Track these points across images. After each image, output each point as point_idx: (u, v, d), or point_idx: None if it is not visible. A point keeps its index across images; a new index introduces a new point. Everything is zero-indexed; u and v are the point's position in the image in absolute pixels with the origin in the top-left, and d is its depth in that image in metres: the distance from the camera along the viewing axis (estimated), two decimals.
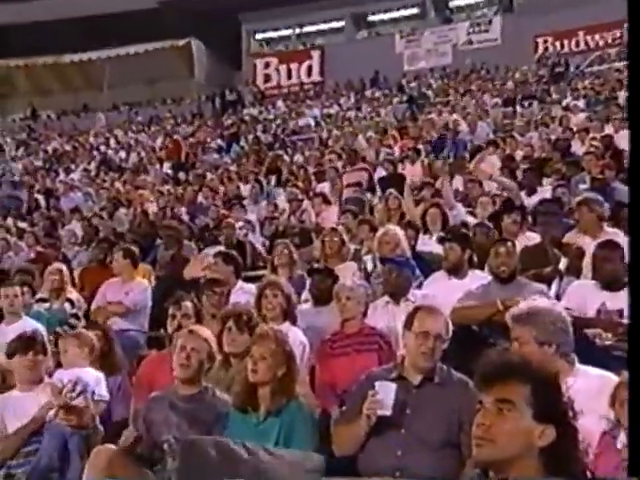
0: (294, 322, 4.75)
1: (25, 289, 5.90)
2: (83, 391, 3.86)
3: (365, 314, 4.68)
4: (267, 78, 29.58)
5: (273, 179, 12.34)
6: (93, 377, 4.17)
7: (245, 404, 3.51)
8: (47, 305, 6.29)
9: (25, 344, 4.17)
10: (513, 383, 1.93)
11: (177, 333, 4.25)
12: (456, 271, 5.28)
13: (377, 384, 3.24)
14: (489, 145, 11.28)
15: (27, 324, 5.33)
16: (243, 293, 5.57)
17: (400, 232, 6.00)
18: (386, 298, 4.95)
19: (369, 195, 9.74)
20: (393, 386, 3.23)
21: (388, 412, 3.19)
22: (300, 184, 11.23)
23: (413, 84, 22.16)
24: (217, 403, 3.67)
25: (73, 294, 6.54)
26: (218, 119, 23.70)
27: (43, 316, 5.85)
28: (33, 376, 4.14)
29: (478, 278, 5.07)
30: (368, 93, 23.79)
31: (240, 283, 5.87)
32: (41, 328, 5.20)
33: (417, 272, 5.31)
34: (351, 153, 11.39)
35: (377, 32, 30.06)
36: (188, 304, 4.72)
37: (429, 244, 6.62)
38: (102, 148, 21.04)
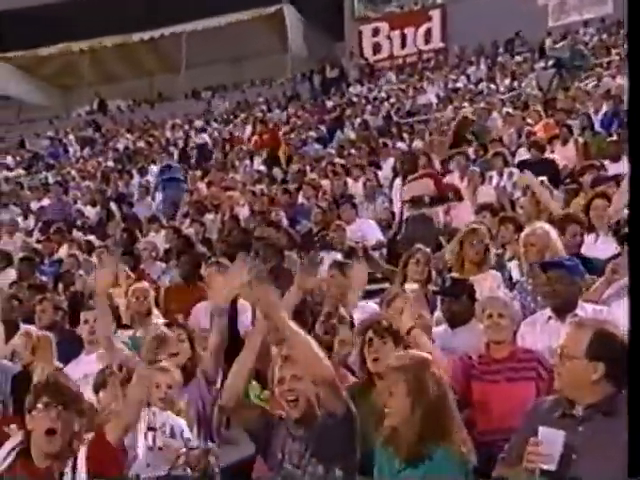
0: None
1: None
2: (173, 435, 4.14)
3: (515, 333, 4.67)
4: (376, 48, 29.72)
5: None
6: (182, 423, 4.46)
7: (387, 444, 3.59)
8: (130, 332, 6.53)
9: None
10: None
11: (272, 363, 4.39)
12: None
13: (541, 431, 3.20)
14: None
15: None
16: (363, 314, 5.62)
17: (552, 231, 5.89)
18: (548, 312, 4.89)
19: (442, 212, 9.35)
20: (560, 434, 3.17)
21: (553, 467, 3.15)
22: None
23: (561, 44, 21.65)
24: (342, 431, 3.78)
25: (160, 319, 6.77)
26: (318, 101, 24.03)
27: (126, 345, 6.06)
28: None
29: None
30: (503, 59, 23.47)
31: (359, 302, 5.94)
32: None
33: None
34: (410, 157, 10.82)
35: None
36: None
37: (594, 246, 6.47)
38: (180, 143, 21.76)
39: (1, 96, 31.54)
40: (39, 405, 3.54)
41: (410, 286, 5.49)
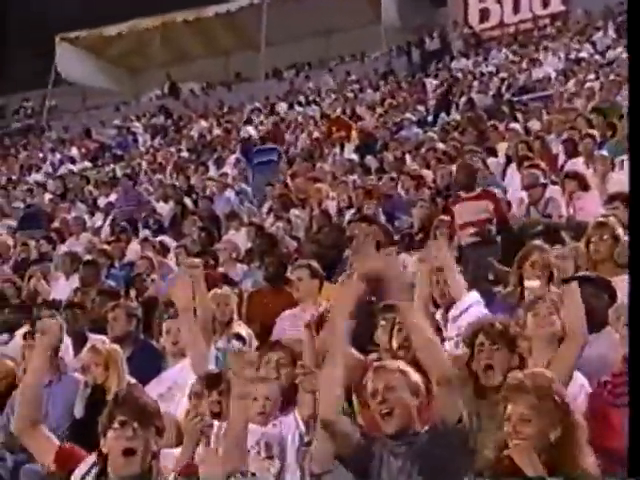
0: None
1: None
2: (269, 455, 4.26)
3: None
4: (484, 15, 29.37)
5: None
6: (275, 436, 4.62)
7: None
8: None
9: (210, 382, 4.81)
10: None
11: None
12: None
13: None
14: None
15: None
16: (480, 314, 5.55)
17: None
18: None
19: None
20: None
21: None
22: (541, 162, 11.06)
23: None
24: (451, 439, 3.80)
25: (242, 328, 6.84)
26: (416, 78, 23.91)
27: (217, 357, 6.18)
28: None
29: None
30: None
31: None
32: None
33: None
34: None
35: None
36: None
37: None
38: (261, 128, 21.92)
39: (64, 81, 32.25)
40: (114, 424, 3.57)
41: (530, 283, 5.40)
